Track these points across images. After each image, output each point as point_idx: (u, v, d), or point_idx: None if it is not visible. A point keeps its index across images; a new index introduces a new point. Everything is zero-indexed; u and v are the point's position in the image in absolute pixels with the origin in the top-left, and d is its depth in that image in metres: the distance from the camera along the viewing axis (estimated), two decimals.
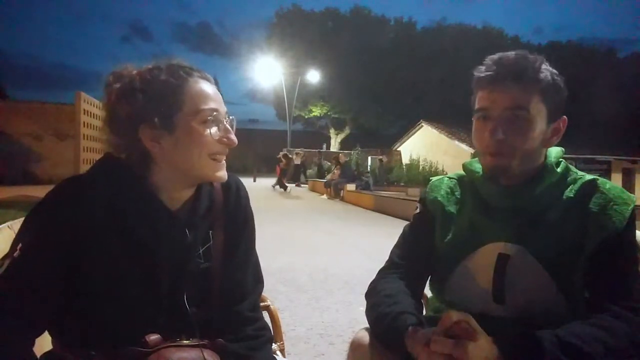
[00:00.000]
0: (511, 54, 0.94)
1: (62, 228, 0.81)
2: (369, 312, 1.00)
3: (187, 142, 0.85)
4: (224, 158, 0.92)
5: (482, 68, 0.95)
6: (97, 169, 0.90)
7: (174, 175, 0.89)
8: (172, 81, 0.86)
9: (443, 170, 18.15)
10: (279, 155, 17.79)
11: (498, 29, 33.20)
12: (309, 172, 20.60)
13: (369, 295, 1.05)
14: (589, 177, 0.97)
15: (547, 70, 0.93)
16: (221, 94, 0.93)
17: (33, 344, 0.83)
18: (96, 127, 6.20)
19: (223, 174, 0.92)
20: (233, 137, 0.90)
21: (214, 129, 0.87)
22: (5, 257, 0.81)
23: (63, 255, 0.81)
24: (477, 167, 1.04)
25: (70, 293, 0.83)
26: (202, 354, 0.85)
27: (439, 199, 1.08)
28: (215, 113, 0.87)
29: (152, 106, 0.84)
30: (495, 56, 0.95)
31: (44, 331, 0.87)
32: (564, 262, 0.90)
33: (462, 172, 1.11)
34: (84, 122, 5.94)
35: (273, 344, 1.10)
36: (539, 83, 0.91)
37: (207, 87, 0.89)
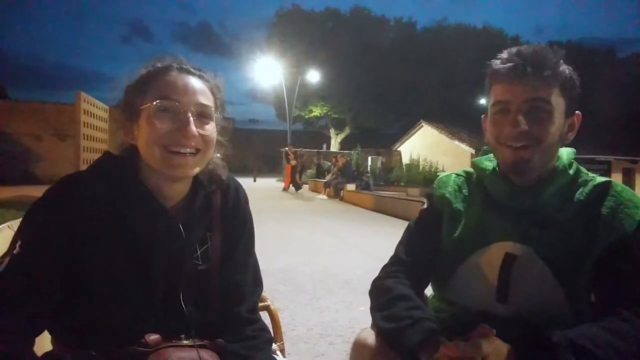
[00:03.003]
0: (530, 46, 0.93)
1: (61, 225, 0.81)
2: (379, 310, 0.99)
3: (143, 132, 0.86)
4: (185, 150, 0.85)
5: (498, 61, 0.94)
6: (96, 166, 0.91)
7: (151, 168, 0.89)
8: (144, 74, 0.88)
9: (443, 170, 18.09)
10: (290, 150, 17.19)
11: (498, 29, 33.13)
12: (308, 171, 20.58)
13: (376, 292, 1.04)
14: (600, 179, 0.96)
15: (564, 65, 0.93)
16: (213, 92, 0.92)
17: (33, 343, 0.83)
18: (96, 127, 6.21)
19: (182, 169, 0.86)
20: (189, 128, 0.84)
21: (168, 120, 0.84)
22: (5, 255, 0.81)
23: (61, 252, 0.81)
24: (488, 164, 1.03)
25: (69, 291, 0.83)
26: (202, 354, 0.85)
27: (447, 195, 1.07)
28: (168, 101, 0.84)
29: (125, 99, 0.88)
30: (514, 49, 0.94)
31: (43, 331, 0.87)
32: (571, 264, 0.90)
33: (469, 168, 1.10)
34: (84, 122, 5.94)
35: (273, 344, 1.10)
36: (559, 76, 0.91)
37: (178, 79, 0.87)
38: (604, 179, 0.96)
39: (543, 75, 0.89)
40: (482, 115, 1.03)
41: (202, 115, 0.88)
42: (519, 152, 0.91)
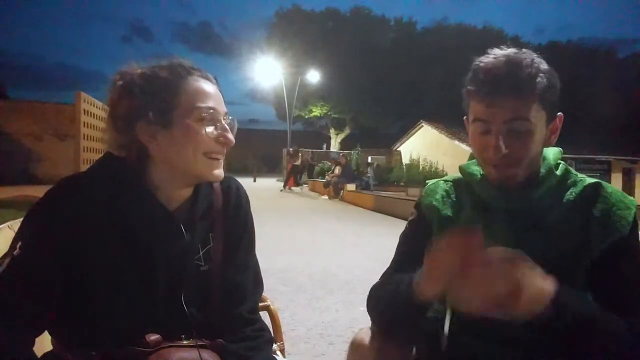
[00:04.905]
0: (502, 62, 0.88)
1: (61, 226, 0.81)
2: (375, 307, 1.00)
3: (182, 139, 0.86)
4: (221, 157, 0.91)
5: (472, 78, 0.90)
6: (97, 167, 0.90)
7: (171, 173, 0.89)
8: (170, 78, 0.86)
9: (443, 170, 18.14)
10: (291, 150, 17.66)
11: (498, 29, 33.08)
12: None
13: (371, 300, 1.04)
14: (590, 180, 0.96)
15: (542, 74, 0.88)
16: (222, 95, 0.93)
17: (33, 344, 0.83)
18: (96, 127, 6.20)
19: (219, 172, 0.91)
20: (230, 136, 0.90)
21: (210, 128, 0.87)
22: (5, 256, 0.81)
23: (62, 253, 0.81)
24: (475, 169, 1.02)
25: (69, 292, 0.83)
26: (202, 354, 0.85)
27: (435, 203, 1.06)
28: (211, 111, 0.87)
29: (148, 102, 0.85)
30: (489, 63, 0.89)
31: (43, 331, 0.87)
32: (564, 266, 0.89)
33: (457, 174, 1.10)
34: (84, 122, 5.92)
35: (273, 344, 1.10)
36: (537, 89, 0.87)
37: (206, 86, 0.89)
38: (593, 180, 0.96)
39: (520, 95, 0.86)
40: (465, 117, 1.01)
41: (226, 122, 0.91)
42: (503, 171, 0.91)
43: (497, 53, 0.90)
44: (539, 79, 0.87)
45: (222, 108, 0.91)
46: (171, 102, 0.85)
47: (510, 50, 0.91)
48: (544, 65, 0.90)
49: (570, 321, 0.78)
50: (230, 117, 0.92)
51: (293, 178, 16.81)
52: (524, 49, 0.92)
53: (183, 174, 0.90)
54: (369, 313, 1.03)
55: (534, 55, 0.91)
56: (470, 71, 0.92)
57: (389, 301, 0.95)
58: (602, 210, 0.90)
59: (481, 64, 0.90)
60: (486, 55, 0.92)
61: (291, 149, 17.98)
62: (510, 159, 0.89)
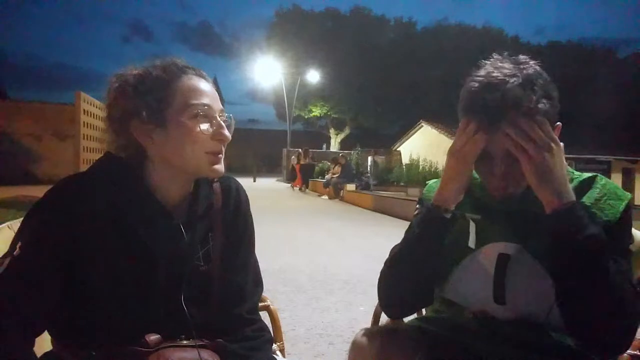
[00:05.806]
0: (500, 94, 0.83)
1: (61, 226, 0.82)
2: (390, 269, 1.02)
3: (178, 138, 0.86)
4: (221, 153, 0.91)
5: (468, 107, 0.88)
6: (97, 167, 0.91)
7: (170, 172, 0.89)
8: (163, 77, 0.87)
9: (443, 170, 18.07)
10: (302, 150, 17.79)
11: (498, 29, 33.06)
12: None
13: (383, 277, 1.04)
14: (586, 175, 0.97)
15: (542, 98, 0.85)
16: (220, 94, 0.93)
17: (33, 344, 0.83)
18: (96, 127, 6.20)
19: (219, 167, 0.91)
20: (226, 132, 0.90)
21: (205, 125, 0.87)
22: (5, 256, 0.82)
23: (62, 253, 0.81)
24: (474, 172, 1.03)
25: (69, 292, 0.83)
26: (202, 354, 0.85)
27: None
28: (206, 108, 0.87)
29: (141, 101, 0.85)
30: (484, 94, 0.84)
31: (43, 331, 0.87)
32: None
33: None
34: (84, 122, 5.93)
35: (273, 344, 1.10)
36: (538, 113, 0.84)
37: (201, 84, 0.89)
38: (589, 174, 0.96)
39: (520, 124, 0.83)
40: (460, 122, 1.00)
41: (222, 119, 0.91)
42: (505, 190, 0.91)
43: (493, 75, 0.86)
44: (539, 106, 0.84)
45: (218, 105, 0.90)
46: (164, 101, 0.86)
47: (506, 70, 0.86)
48: (541, 80, 0.86)
49: (585, 232, 0.80)
50: (227, 115, 0.92)
51: (301, 178, 16.84)
52: (521, 57, 0.90)
53: (182, 173, 0.90)
54: (382, 281, 1.03)
55: (530, 68, 0.87)
56: (465, 92, 0.90)
57: (407, 239, 0.99)
58: (593, 199, 0.91)
59: (478, 94, 0.86)
60: (480, 74, 0.88)
61: (302, 149, 18.10)
62: (512, 180, 0.89)
